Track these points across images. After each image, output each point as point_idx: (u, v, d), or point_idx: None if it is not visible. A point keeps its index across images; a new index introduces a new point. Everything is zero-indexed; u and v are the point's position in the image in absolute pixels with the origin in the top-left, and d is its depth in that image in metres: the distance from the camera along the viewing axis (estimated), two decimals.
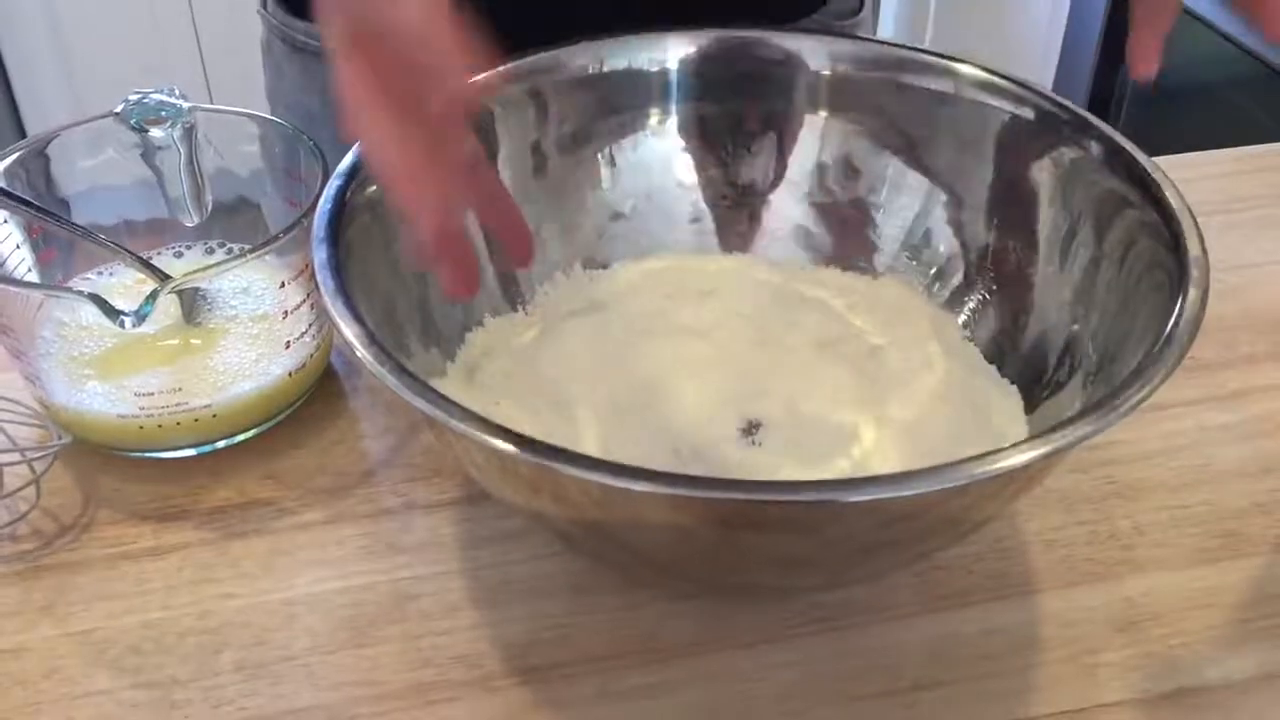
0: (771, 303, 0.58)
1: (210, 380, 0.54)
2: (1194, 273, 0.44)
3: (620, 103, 0.56)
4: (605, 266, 0.59)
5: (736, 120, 0.57)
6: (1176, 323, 0.41)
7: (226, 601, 0.49)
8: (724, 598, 0.49)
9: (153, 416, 0.53)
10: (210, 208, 0.62)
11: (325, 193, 0.47)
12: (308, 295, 0.54)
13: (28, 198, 0.57)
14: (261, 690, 0.46)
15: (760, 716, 0.45)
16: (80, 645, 0.47)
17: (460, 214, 0.43)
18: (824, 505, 0.38)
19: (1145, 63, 0.47)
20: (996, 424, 0.52)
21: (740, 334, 0.57)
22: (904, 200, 0.56)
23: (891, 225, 0.57)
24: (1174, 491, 0.54)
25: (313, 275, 0.44)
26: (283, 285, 0.53)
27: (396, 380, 0.40)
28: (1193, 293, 0.43)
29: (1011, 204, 0.54)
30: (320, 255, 0.45)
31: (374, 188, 0.48)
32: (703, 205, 0.59)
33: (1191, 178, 0.73)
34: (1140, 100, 1.72)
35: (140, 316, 0.49)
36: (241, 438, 0.55)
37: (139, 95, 0.59)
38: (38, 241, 0.58)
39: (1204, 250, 0.45)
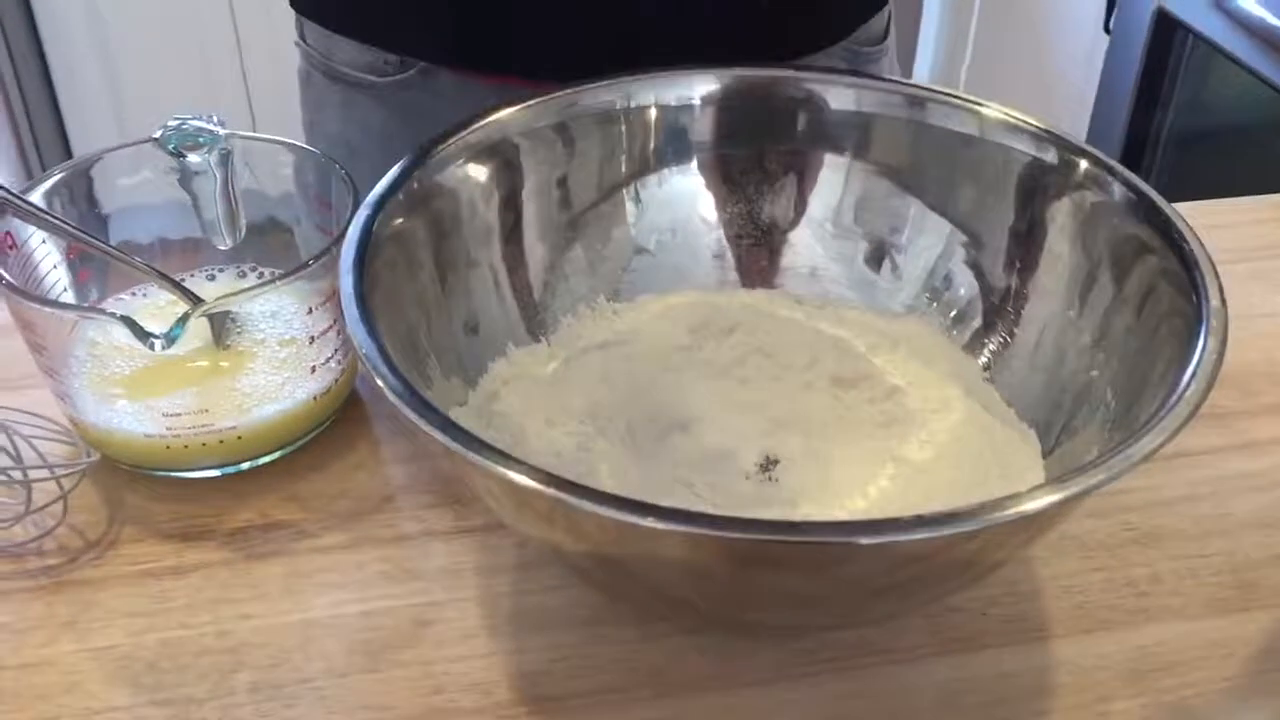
0: (793, 340, 0.58)
1: (236, 402, 0.54)
2: (1212, 323, 0.44)
3: (645, 139, 0.57)
4: (630, 300, 0.60)
5: (758, 159, 0.58)
6: (1193, 374, 0.42)
7: (245, 622, 0.50)
8: (736, 635, 0.50)
9: (179, 437, 0.53)
10: (244, 232, 0.63)
11: (354, 222, 0.48)
12: (334, 321, 0.55)
13: (69, 217, 0.58)
14: (276, 712, 0.46)
15: None
16: (100, 661, 0.48)
17: None
18: (836, 547, 0.38)
19: None
20: (1014, 468, 0.52)
21: (761, 370, 0.58)
22: (925, 242, 0.57)
23: (912, 266, 0.57)
24: (1192, 540, 0.54)
25: (339, 302, 0.45)
26: (310, 311, 0.54)
27: (412, 409, 0.40)
28: (1210, 343, 0.43)
29: (1031, 247, 0.54)
30: (346, 284, 0.45)
31: (401, 220, 0.49)
32: (725, 242, 0.59)
33: (1220, 223, 0.73)
34: (1178, 142, 1.72)
35: (170, 339, 0.50)
36: (265, 460, 0.56)
37: (178, 121, 0.60)
38: (75, 262, 0.59)
39: (1223, 300, 0.45)
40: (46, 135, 1.80)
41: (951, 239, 0.56)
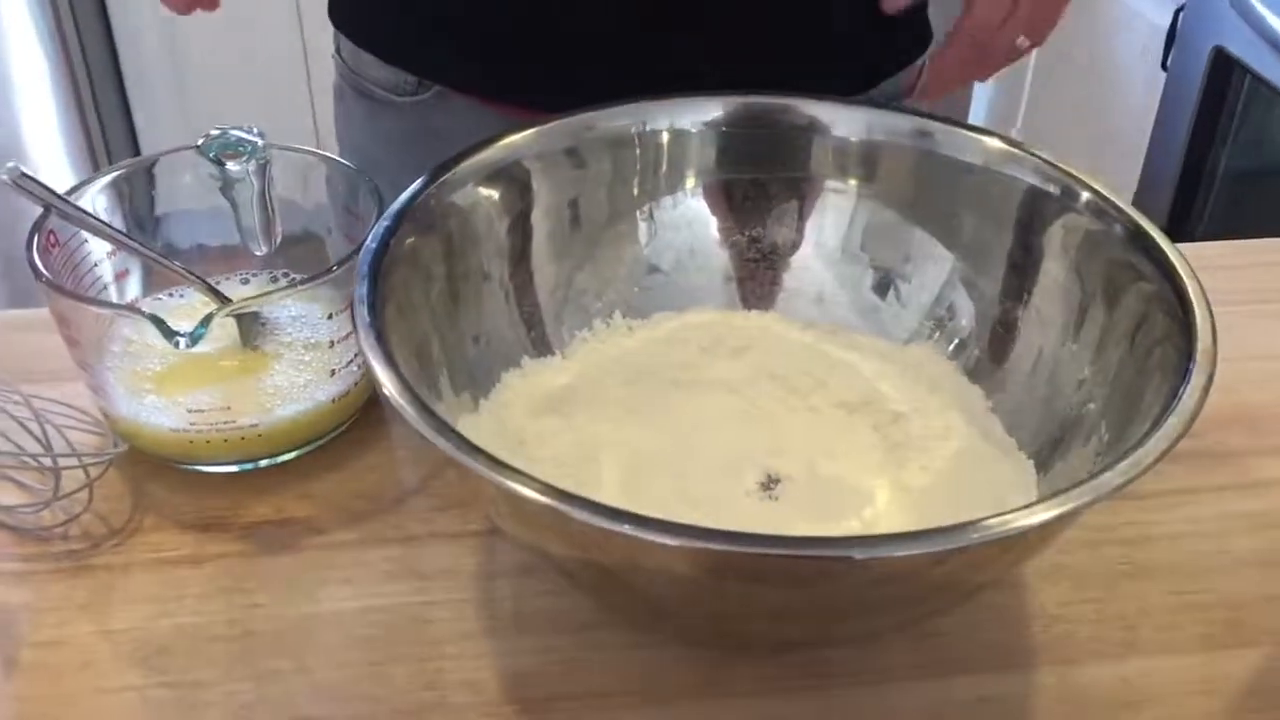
0: (802, 363, 0.60)
1: (258, 401, 0.57)
2: (1200, 361, 0.45)
3: (659, 162, 0.59)
4: (645, 317, 0.61)
5: (772, 184, 0.59)
6: (1172, 413, 0.42)
7: (254, 611, 0.52)
8: (725, 647, 0.51)
9: (202, 432, 0.56)
10: (279, 239, 0.66)
11: (373, 233, 0.50)
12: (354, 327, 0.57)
13: (120, 217, 0.61)
14: (277, 698, 0.48)
15: None
16: (115, 643, 0.50)
17: None
18: (822, 561, 0.39)
19: None
20: (1009, 497, 0.53)
21: (769, 391, 0.59)
22: (929, 271, 0.58)
23: (917, 295, 0.58)
24: (1187, 576, 0.54)
25: None
26: (330, 316, 0.56)
27: (415, 412, 0.42)
28: (1196, 380, 0.44)
29: (1031, 278, 0.55)
30: (360, 291, 0.47)
31: (417, 235, 0.51)
32: (737, 264, 0.61)
33: (1260, 262, 0.73)
34: (1233, 180, 1.70)
35: (194, 338, 0.52)
36: (284, 458, 0.58)
37: (220, 131, 0.63)
38: (115, 261, 0.62)
39: (1214, 338, 0.46)
40: (117, 138, 1.86)
41: (954, 269, 0.57)
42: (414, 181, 0.52)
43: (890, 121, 0.57)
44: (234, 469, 0.58)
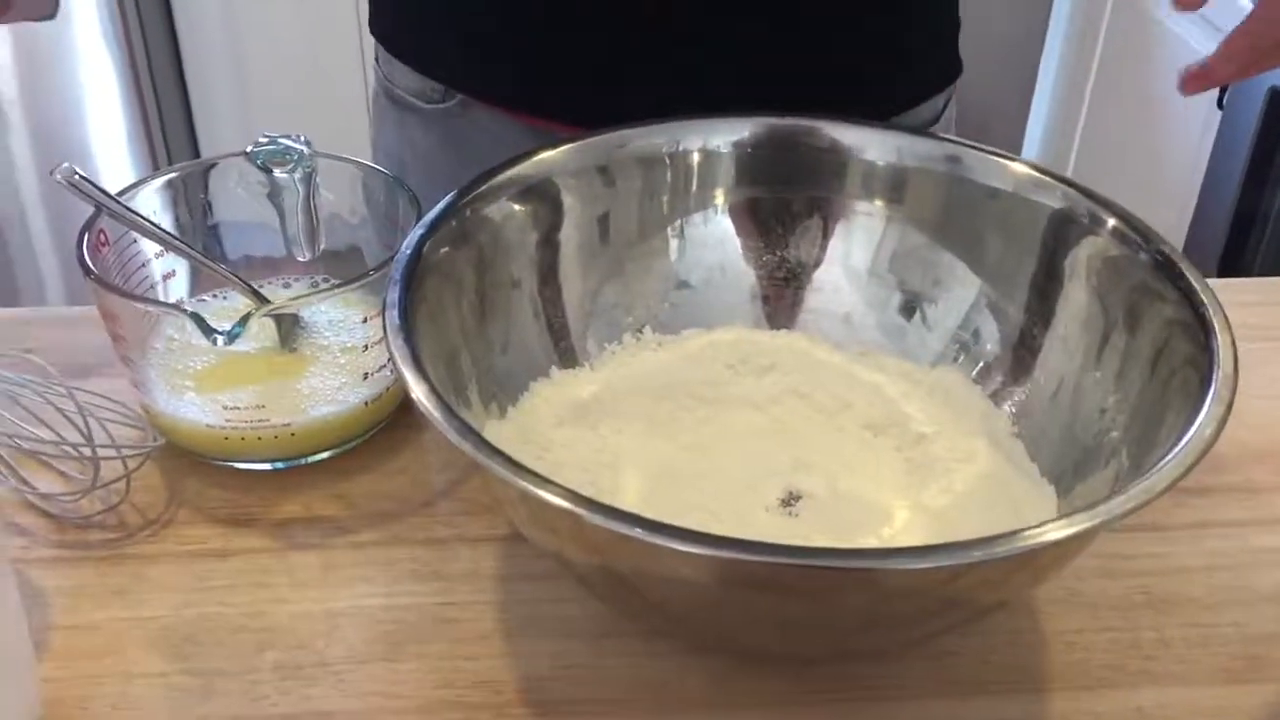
0: (828, 382, 0.60)
1: (293, 401, 0.58)
2: (1219, 391, 0.45)
3: (690, 180, 0.60)
4: (675, 333, 0.62)
5: (803, 204, 0.60)
6: (1183, 440, 0.42)
7: (278, 605, 0.53)
8: (740, 659, 0.51)
9: (237, 429, 0.57)
10: (322, 246, 0.67)
11: (407, 240, 0.52)
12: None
13: (176, 218, 0.64)
14: (295, 689, 0.49)
15: None
16: (143, 630, 0.52)
17: None
18: (814, 571, 0.40)
19: None
20: (1028, 520, 0.52)
21: (794, 410, 0.59)
22: (956, 294, 0.58)
23: (943, 318, 0.59)
24: (1205, 609, 0.54)
25: None
26: (365, 320, 0.58)
27: (439, 414, 0.43)
28: (1214, 409, 0.44)
29: (1056, 305, 0.55)
30: (391, 295, 0.49)
31: (450, 245, 0.52)
32: (766, 282, 0.61)
33: (1278, 301, 0.73)
34: None
35: (231, 336, 0.54)
36: (316, 458, 0.59)
37: (268, 139, 0.65)
38: (165, 262, 0.64)
39: (1235, 368, 0.46)
40: (178, 141, 1.90)
41: (980, 293, 0.57)
42: (439, 186, 0.54)
43: (919, 146, 0.58)
44: (267, 467, 0.59)
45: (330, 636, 0.51)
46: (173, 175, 0.65)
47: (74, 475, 0.58)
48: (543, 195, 0.57)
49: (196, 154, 1.95)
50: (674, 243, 0.61)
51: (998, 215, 0.56)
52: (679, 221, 0.61)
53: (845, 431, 0.58)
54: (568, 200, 0.58)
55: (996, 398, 0.58)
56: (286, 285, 0.67)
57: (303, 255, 0.67)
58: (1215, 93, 1.72)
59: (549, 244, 0.58)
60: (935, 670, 0.51)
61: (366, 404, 0.59)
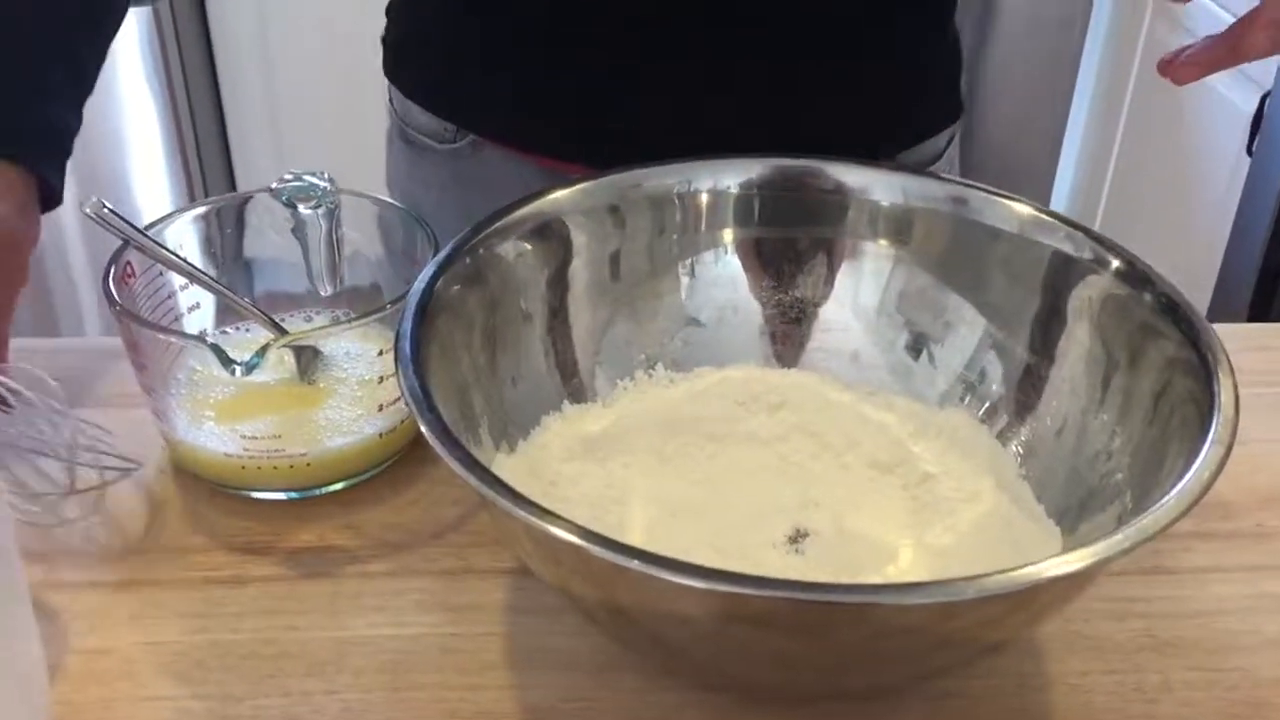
0: (837, 421, 0.61)
1: (309, 432, 0.59)
2: (1219, 433, 0.45)
3: (700, 220, 0.61)
4: (687, 370, 0.63)
5: (801, 244, 0.61)
6: (1181, 483, 0.43)
7: (288, 633, 0.54)
8: (741, 696, 0.52)
9: (254, 459, 0.58)
10: (344, 281, 0.69)
11: (421, 276, 0.53)
12: None
13: (201, 251, 0.65)
14: (303, 715, 0.50)
15: None
16: (156, 654, 0.53)
17: None
18: (811, 606, 0.40)
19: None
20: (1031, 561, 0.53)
21: (802, 448, 0.60)
22: (961, 334, 0.59)
23: (949, 358, 0.59)
24: (1210, 654, 0.54)
25: None
26: (380, 353, 0.59)
27: (446, 446, 0.44)
28: (1213, 453, 0.44)
29: (1060, 346, 0.56)
30: (404, 328, 0.50)
31: (462, 282, 0.53)
32: (776, 321, 0.62)
33: None
34: None
35: (249, 367, 0.55)
36: (330, 488, 0.60)
37: (292, 175, 0.66)
38: (190, 294, 0.65)
39: (1236, 411, 0.46)
40: (215, 177, 1.93)
41: (986, 333, 0.58)
42: (451, 224, 0.55)
43: (925, 187, 0.59)
44: (283, 496, 0.60)
45: (338, 664, 0.52)
46: (203, 209, 0.67)
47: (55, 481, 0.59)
48: (554, 233, 0.58)
49: (234, 190, 1.99)
50: (684, 281, 0.62)
51: (1002, 256, 0.57)
52: (689, 260, 0.62)
53: (852, 470, 0.59)
54: (579, 238, 0.59)
55: (1003, 437, 0.58)
56: (308, 319, 0.68)
57: (325, 289, 0.69)
58: (1245, 139, 1.72)
59: (560, 281, 0.59)
60: (936, 711, 0.51)
61: (381, 436, 0.60)
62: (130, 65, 1.65)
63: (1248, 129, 1.71)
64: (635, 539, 0.53)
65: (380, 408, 0.60)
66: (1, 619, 0.46)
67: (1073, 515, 0.54)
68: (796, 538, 0.56)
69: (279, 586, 0.56)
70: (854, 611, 0.41)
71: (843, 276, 0.61)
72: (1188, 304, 0.51)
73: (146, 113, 1.70)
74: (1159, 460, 0.48)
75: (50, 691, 0.50)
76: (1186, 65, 0.56)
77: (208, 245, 0.67)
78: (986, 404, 0.59)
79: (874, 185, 0.59)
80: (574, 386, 0.60)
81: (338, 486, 0.61)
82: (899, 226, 0.60)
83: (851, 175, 0.60)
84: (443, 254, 0.54)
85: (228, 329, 0.67)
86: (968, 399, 0.59)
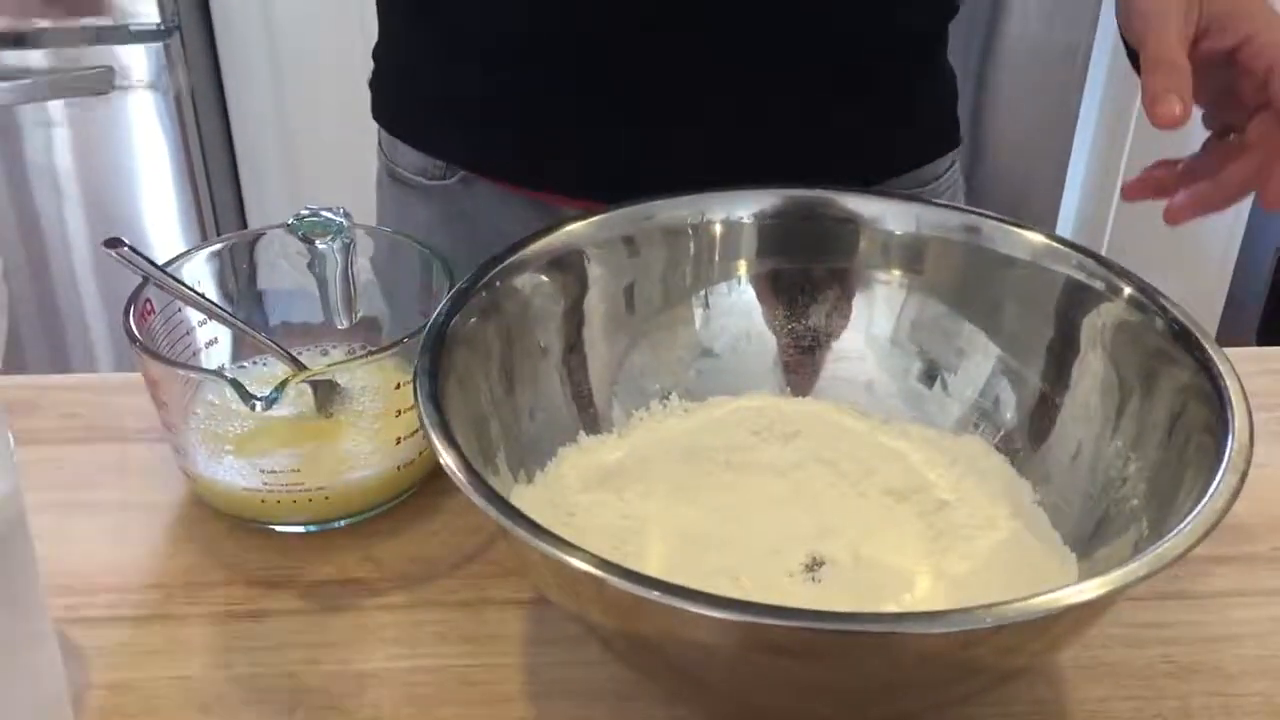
0: (853, 450, 0.61)
1: (329, 466, 0.60)
2: (1234, 460, 0.45)
3: (714, 251, 0.61)
4: (701, 400, 0.63)
5: (808, 273, 0.61)
6: (1196, 511, 0.43)
7: (309, 666, 0.54)
8: None
9: (274, 492, 0.59)
10: (360, 314, 0.69)
11: (438, 309, 0.53)
12: None
13: (218, 287, 0.66)
14: None
15: None
16: (178, 689, 0.53)
17: None
18: (829, 636, 0.41)
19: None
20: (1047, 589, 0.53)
21: (818, 476, 0.60)
22: (974, 362, 0.59)
23: (962, 387, 0.60)
24: (1231, 679, 0.54)
25: None
26: (397, 387, 0.59)
27: (465, 477, 0.45)
28: (1228, 480, 0.45)
29: (1073, 373, 0.56)
30: (422, 363, 0.50)
31: (478, 316, 0.54)
32: (790, 351, 0.63)
33: None
34: None
35: (269, 401, 0.56)
36: (349, 521, 0.61)
37: (309, 211, 0.67)
38: (208, 330, 0.66)
39: (1250, 438, 0.46)
40: (226, 215, 1.95)
41: (999, 361, 0.58)
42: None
43: (937, 216, 0.59)
44: (302, 529, 0.61)
45: (359, 698, 0.52)
46: (219, 246, 0.67)
47: None
48: (569, 266, 0.59)
49: (244, 226, 2.00)
50: (699, 311, 0.62)
51: (1015, 284, 0.58)
52: (703, 291, 0.62)
53: (868, 498, 0.59)
54: (594, 271, 0.59)
55: (1017, 464, 0.58)
56: (324, 352, 0.69)
57: (341, 323, 0.69)
58: None
59: (576, 313, 0.59)
60: None
61: (399, 469, 0.61)
62: (141, 99, 1.66)
63: None
64: (653, 569, 0.54)
65: (398, 440, 0.60)
66: (26, 654, 0.46)
67: (1090, 542, 0.54)
68: (813, 566, 0.56)
69: (299, 620, 0.56)
70: (873, 641, 0.41)
71: (856, 305, 0.62)
72: (1201, 330, 0.51)
73: (157, 146, 1.71)
74: (1175, 486, 0.48)
75: None
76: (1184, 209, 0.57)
77: (224, 281, 0.68)
78: (1001, 431, 0.59)
79: (886, 215, 0.60)
80: (590, 417, 0.60)
81: (357, 519, 0.61)
82: (911, 256, 0.60)
83: (864, 205, 0.60)
84: (459, 287, 0.54)
85: (245, 364, 0.67)
86: (982, 426, 0.59)
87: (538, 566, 0.47)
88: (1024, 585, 0.53)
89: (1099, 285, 0.55)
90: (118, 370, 1.67)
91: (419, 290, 0.67)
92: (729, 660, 0.45)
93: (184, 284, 0.62)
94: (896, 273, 0.61)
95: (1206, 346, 0.50)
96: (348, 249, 0.67)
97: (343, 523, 0.61)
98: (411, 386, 0.49)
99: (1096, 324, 0.55)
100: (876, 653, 0.43)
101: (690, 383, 0.63)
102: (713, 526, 0.57)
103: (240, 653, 0.55)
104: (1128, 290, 0.54)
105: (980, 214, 0.58)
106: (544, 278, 0.57)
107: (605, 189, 0.62)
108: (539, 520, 0.43)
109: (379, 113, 0.85)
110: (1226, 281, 1.78)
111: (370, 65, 0.85)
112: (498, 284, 0.56)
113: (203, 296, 0.63)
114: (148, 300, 0.62)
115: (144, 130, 1.69)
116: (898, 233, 0.60)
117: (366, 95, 0.86)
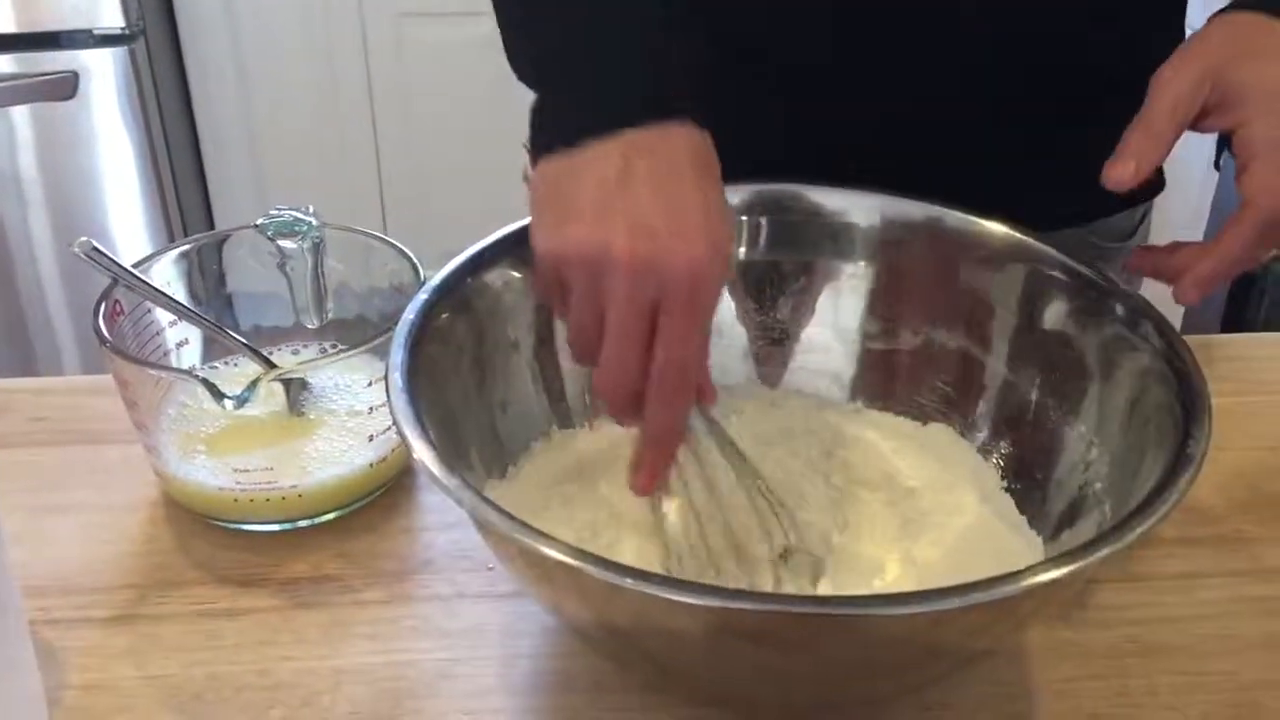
0: (824, 440, 0.62)
1: (300, 464, 0.60)
2: (1193, 440, 0.46)
3: None
4: None
5: (776, 266, 0.62)
6: (1158, 495, 0.44)
7: (284, 663, 0.54)
8: (734, 711, 0.52)
9: (246, 491, 0.59)
10: (330, 314, 0.69)
11: (409, 306, 0.54)
12: None
13: (188, 288, 0.66)
14: None
15: None
16: (153, 688, 0.53)
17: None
18: (798, 619, 0.41)
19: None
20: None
21: (790, 466, 0.61)
22: (940, 351, 0.60)
23: (927, 374, 0.60)
24: (1194, 658, 0.55)
25: None
26: (370, 384, 0.60)
27: (439, 472, 0.45)
28: (1186, 461, 0.45)
29: (1035, 359, 0.57)
30: (394, 359, 0.51)
31: (449, 312, 0.54)
32: (759, 343, 0.63)
33: (1265, 356, 0.75)
34: None
35: (241, 400, 0.56)
36: (322, 518, 0.61)
37: (278, 211, 0.67)
38: (178, 330, 0.66)
39: (1209, 420, 0.47)
40: (193, 217, 1.94)
41: (963, 350, 0.59)
42: None
43: (900, 208, 0.60)
44: (275, 528, 0.61)
45: (335, 693, 0.53)
46: (187, 247, 0.67)
47: None
48: None
49: (212, 229, 1.99)
50: None
51: (979, 274, 0.58)
52: None
53: (839, 487, 0.60)
54: None
55: (984, 451, 0.59)
56: (295, 352, 0.69)
57: (311, 322, 0.69)
58: (1212, 154, 1.74)
59: (546, 308, 0.59)
60: None
61: (371, 466, 0.61)
62: (106, 104, 1.65)
63: (1215, 145, 1.74)
64: (627, 558, 0.54)
65: (370, 438, 0.60)
66: (1, 656, 0.46)
67: (1055, 526, 0.55)
68: (785, 555, 0.56)
69: (274, 617, 0.56)
70: (843, 623, 0.42)
71: (823, 297, 0.62)
72: (1160, 316, 0.52)
73: (123, 151, 1.70)
74: (1136, 469, 0.49)
75: None
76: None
77: (195, 281, 0.68)
78: (967, 419, 0.60)
79: (851, 208, 0.61)
80: (562, 411, 0.60)
81: (330, 516, 0.61)
82: (877, 248, 0.61)
83: (829, 198, 0.61)
84: (430, 284, 0.55)
85: (216, 364, 0.67)
86: (950, 414, 0.60)
87: (513, 558, 0.47)
88: (992, 569, 0.54)
89: (1060, 274, 0.56)
90: (87, 374, 1.65)
91: (389, 288, 0.67)
92: (703, 647, 0.45)
93: (153, 285, 0.62)
94: (862, 264, 0.61)
95: (1166, 331, 0.51)
96: (317, 248, 0.67)
97: (316, 520, 0.61)
98: (384, 384, 0.50)
99: (1058, 312, 0.56)
100: (847, 636, 0.43)
101: None
102: (684, 516, 0.58)
103: (215, 651, 0.55)
104: (1089, 278, 0.55)
105: (944, 206, 0.59)
106: (514, 273, 0.57)
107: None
108: (513, 513, 0.43)
109: None
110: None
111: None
112: (468, 280, 0.56)
113: (171, 298, 0.63)
114: (116, 301, 0.62)
115: (109, 134, 1.68)
116: (863, 225, 0.61)
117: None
